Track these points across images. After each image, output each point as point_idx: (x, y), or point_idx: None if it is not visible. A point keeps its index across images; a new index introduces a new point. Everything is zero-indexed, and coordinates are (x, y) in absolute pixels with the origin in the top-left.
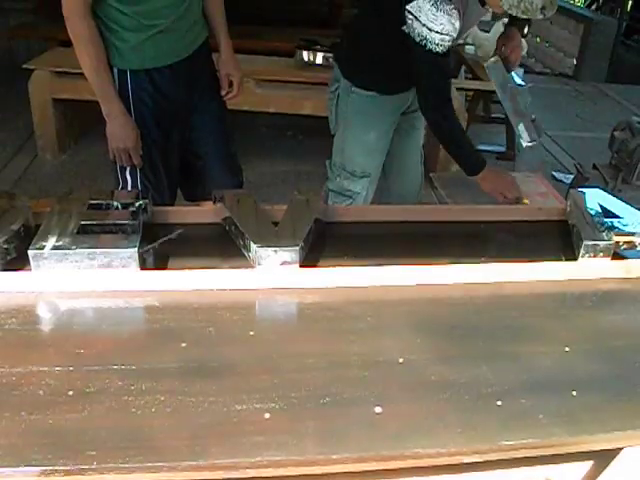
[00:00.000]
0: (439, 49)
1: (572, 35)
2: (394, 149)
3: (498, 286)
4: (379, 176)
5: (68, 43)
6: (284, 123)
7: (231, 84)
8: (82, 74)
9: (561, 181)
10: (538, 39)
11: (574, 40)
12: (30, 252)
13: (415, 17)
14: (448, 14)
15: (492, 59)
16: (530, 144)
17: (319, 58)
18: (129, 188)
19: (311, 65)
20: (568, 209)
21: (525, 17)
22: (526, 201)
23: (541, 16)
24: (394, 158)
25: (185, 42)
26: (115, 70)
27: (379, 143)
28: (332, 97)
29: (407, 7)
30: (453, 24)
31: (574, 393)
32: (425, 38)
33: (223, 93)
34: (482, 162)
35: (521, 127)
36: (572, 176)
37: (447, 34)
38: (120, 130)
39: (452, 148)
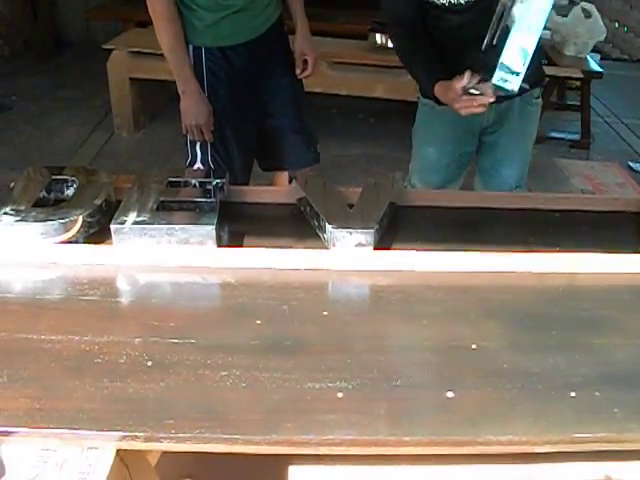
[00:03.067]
0: None
1: None
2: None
3: (572, 276)
4: None
5: (145, 24)
6: (356, 106)
7: (305, 63)
8: (158, 54)
9: (638, 172)
10: (616, 24)
11: None
12: (112, 226)
13: None
14: None
15: None
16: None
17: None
18: (199, 162)
19: (384, 48)
20: None
21: None
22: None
23: None
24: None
25: (260, 20)
26: (190, 47)
27: (441, 161)
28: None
29: None
30: None
31: None
32: None
33: (297, 72)
34: (431, 83)
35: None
36: None
37: None
38: (194, 107)
39: (405, 67)
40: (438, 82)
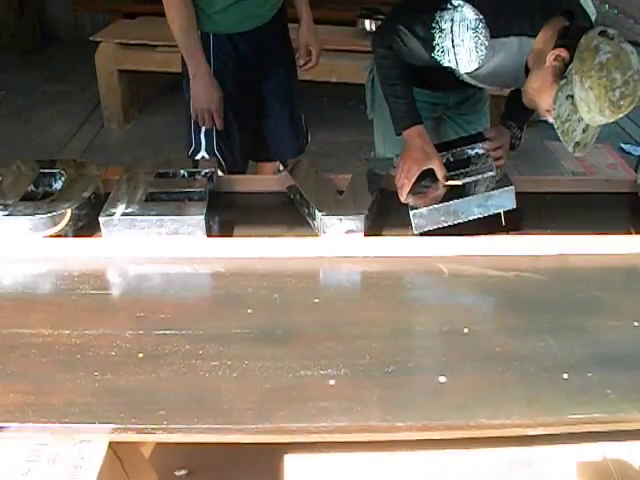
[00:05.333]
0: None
1: None
2: None
3: (564, 258)
4: None
5: (132, 15)
6: (346, 93)
7: (309, 54)
8: (146, 45)
9: (629, 153)
10: (606, 5)
11: None
12: (101, 219)
13: (452, 19)
14: (476, 49)
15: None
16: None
17: None
18: (203, 151)
19: (373, 34)
20: (638, 181)
21: (560, 137)
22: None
23: (570, 150)
24: None
25: (266, 8)
26: (198, 33)
27: None
28: (368, 79)
29: (454, 2)
30: (468, 59)
31: None
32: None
33: (301, 63)
34: (412, 120)
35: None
36: None
37: (453, 55)
38: (205, 91)
39: (385, 87)
40: (419, 125)
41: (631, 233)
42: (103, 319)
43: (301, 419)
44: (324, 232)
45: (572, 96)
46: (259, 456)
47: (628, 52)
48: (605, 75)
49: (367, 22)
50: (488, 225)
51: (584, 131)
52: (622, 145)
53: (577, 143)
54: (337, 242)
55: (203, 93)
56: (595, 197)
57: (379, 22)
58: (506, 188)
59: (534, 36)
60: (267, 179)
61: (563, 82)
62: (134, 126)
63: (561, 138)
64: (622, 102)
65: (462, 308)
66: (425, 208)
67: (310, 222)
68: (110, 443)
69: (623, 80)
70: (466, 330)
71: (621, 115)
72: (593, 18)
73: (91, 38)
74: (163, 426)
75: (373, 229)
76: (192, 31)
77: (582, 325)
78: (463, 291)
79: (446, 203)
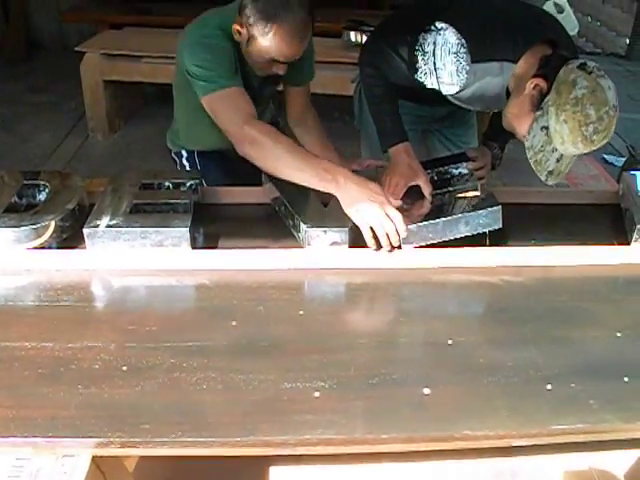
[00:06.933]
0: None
1: (625, 14)
2: None
3: (548, 269)
4: None
5: (118, 26)
6: (331, 104)
7: None
8: (131, 56)
9: (612, 164)
10: (589, 18)
11: (627, 19)
12: (85, 230)
13: (434, 42)
14: (457, 73)
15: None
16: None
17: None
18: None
19: (358, 46)
20: (621, 192)
21: (533, 167)
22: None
23: (543, 178)
24: None
25: None
26: (184, 152)
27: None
28: (356, 90)
29: (437, 24)
30: (450, 82)
31: (626, 379)
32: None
33: None
34: (398, 138)
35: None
36: (623, 159)
37: (431, 76)
38: (358, 183)
39: (372, 106)
40: (405, 142)
41: (614, 244)
42: (87, 332)
43: (286, 432)
44: (309, 244)
45: (547, 127)
46: (244, 469)
47: (605, 88)
48: (580, 110)
49: (352, 34)
50: (472, 244)
51: (558, 160)
52: (605, 156)
53: (550, 172)
54: (322, 254)
55: (357, 187)
56: (578, 208)
57: (364, 34)
58: (493, 208)
59: (516, 62)
60: (252, 191)
61: (539, 113)
62: (119, 137)
63: (533, 167)
64: (595, 137)
65: (446, 319)
66: (413, 225)
67: (295, 234)
68: (93, 457)
69: (597, 116)
70: (450, 341)
71: (594, 148)
72: (576, 31)
73: (77, 48)
74: (147, 440)
75: (358, 241)
76: (308, 157)
77: (566, 336)
78: (447, 302)
79: (434, 220)
